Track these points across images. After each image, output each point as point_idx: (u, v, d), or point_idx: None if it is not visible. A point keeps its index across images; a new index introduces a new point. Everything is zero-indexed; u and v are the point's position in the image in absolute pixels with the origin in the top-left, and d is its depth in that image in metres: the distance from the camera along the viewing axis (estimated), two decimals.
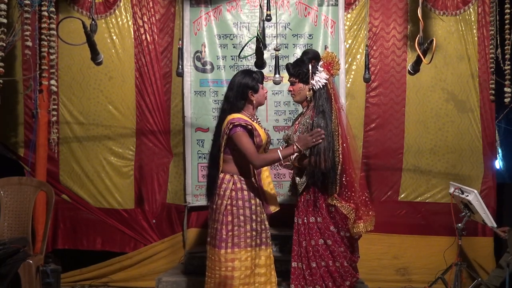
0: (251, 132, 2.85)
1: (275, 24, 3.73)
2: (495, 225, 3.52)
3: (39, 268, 3.43)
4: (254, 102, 2.96)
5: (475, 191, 3.41)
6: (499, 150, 4.54)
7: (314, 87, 2.92)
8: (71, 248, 4.35)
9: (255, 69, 3.15)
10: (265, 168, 2.98)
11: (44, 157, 3.97)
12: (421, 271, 4.25)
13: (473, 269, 4.08)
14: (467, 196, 3.43)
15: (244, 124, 2.83)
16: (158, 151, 4.37)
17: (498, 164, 4.58)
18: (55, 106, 4.02)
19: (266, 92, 3.04)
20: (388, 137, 4.36)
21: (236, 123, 2.82)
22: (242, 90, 2.92)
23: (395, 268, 4.30)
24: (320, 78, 2.91)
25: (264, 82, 3.04)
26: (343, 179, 2.85)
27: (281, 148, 3.08)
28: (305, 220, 2.90)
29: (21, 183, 3.64)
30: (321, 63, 2.96)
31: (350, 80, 4.37)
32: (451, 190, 3.60)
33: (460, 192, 3.49)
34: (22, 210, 3.56)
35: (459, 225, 3.43)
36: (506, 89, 3.77)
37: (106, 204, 4.34)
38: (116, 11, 4.30)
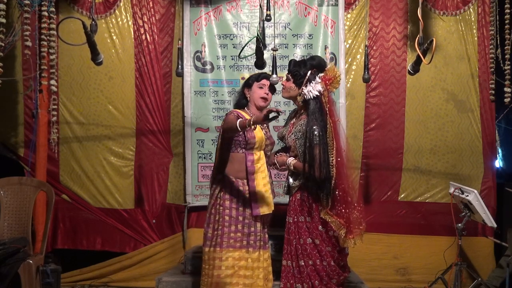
0: None
1: (274, 24, 3.74)
2: (495, 225, 3.53)
3: (39, 268, 3.42)
4: (249, 98, 3.08)
5: (475, 191, 3.42)
6: (499, 150, 4.54)
7: (305, 96, 2.88)
8: (71, 248, 4.35)
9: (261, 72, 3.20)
10: (262, 169, 2.98)
11: (44, 157, 3.97)
12: (421, 271, 4.25)
13: (473, 269, 4.07)
14: (467, 196, 3.43)
15: (236, 114, 2.96)
16: (158, 151, 4.37)
17: (498, 164, 4.58)
18: (55, 106, 4.01)
19: (265, 93, 3.07)
20: (388, 137, 4.36)
21: (228, 113, 3.02)
22: (242, 87, 3.16)
23: (395, 268, 4.30)
24: (313, 88, 2.85)
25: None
26: (336, 193, 2.80)
27: (276, 155, 3.09)
28: (296, 219, 2.91)
29: (21, 183, 3.64)
30: (321, 74, 2.90)
31: (350, 80, 4.37)
32: (451, 190, 3.60)
33: (460, 192, 3.49)
34: (22, 210, 3.56)
35: (459, 225, 3.43)
36: (506, 89, 3.77)
37: (106, 204, 4.34)
38: (116, 11, 4.30)
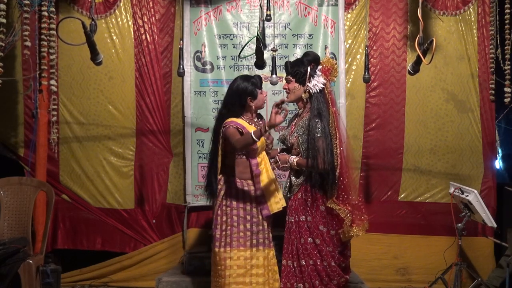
0: (242, 134, 2.90)
1: (274, 24, 3.74)
2: (495, 225, 3.52)
3: (39, 268, 3.42)
4: (253, 107, 3.02)
5: (475, 191, 3.41)
6: (499, 150, 4.54)
7: (311, 90, 2.92)
8: (71, 248, 4.35)
9: (254, 74, 3.18)
10: (265, 168, 2.99)
11: (44, 157, 3.97)
12: (421, 271, 4.25)
13: (473, 269, 4.08)
14: (467, 196, 3.43)
15: (235, 127, 2.90)
16: (158, 151, 4.37)
17: (498, 164, 4.58)
18: (55, 106, 4.01)
19: (265, 96, 3.10)
20: (388, 137, 4.36)
21: (227, 126, 2.91)
22: (241, 97, 3.00)
23: (395, 268, 4.30)
24: (317, 82, 2.91)
25: (263, 82, 3.08)
26: (341, 181, 2.83)
27: (278, 154, 3.08)
28: (296, 219, 2.92)
29: (21, 183, 3.64)
30: (320, 67, 2.95)
31: (350, 80, 4.37)
32: (451, 190, 3.60)
33: (460, 192, 3.49)
34: (22, 210, 3.56)
35: (459, 225, 3.43)
36: (506, 89, 3.77)
37: (106, 204, 4.34)
38: (116, 11, 4.30)
